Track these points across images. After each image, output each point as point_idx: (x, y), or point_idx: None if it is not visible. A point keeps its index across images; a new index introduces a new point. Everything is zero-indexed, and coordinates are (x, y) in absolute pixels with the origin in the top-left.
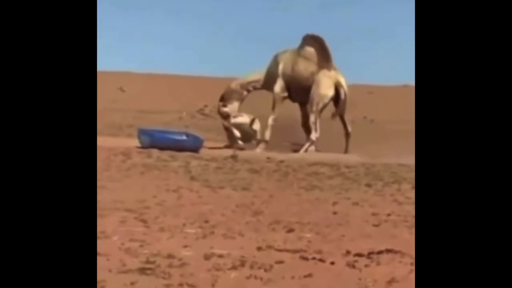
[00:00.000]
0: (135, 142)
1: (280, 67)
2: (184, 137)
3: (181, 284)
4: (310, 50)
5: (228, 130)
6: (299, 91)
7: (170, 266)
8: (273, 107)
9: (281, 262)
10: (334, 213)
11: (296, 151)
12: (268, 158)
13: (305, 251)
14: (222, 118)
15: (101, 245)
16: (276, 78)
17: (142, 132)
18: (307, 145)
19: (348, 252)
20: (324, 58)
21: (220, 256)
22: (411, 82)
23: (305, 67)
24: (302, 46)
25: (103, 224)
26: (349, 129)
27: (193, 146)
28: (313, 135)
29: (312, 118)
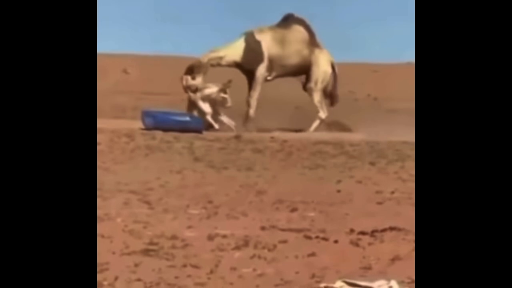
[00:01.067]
0: (139, 124)
1: (264, 46)
2: (188, 118)
3: (184, 265)
4: (300, 29)
5: (194, 105)
6: (287, 71)
7: (173, 247)
8: (255, 87)
9: (284, 241)
10: (338, 191)
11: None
12: (271, 137)
13: (308, 230)
14: (191, 91)
15: (105, 227)
16: (260, 58)
17: (145, 114)
18: (316, 123)
19: (351, 231)
20: (313, 39)
21: (224, 236)
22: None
23: (296, 48)
24: (288, 25)
25: (106, 206)
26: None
27: (196, 127)
28: (322, 114)
29: (317, 97)
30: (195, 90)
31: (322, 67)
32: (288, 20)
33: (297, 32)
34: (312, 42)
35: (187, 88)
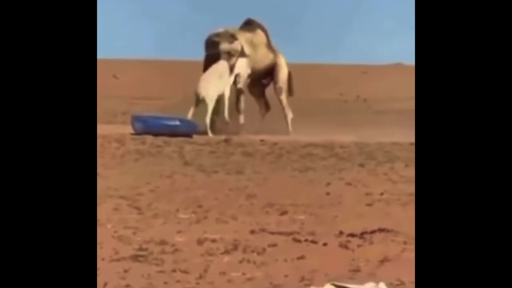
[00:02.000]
0: (129, 129)
1: (245, 48)
2: (178, 123)
3: (174, 270)
4: (261, 34)
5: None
6: (256, 76)
7: (163, 252)
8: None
9: (274, 245)
10: (327, 194)
11: None
12: (261, 140)
13: (298, 233)
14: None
15: None
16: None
17: (135, 119)
18: (290, 124)
19: (341, 233)
20: (271, 43)
21: (213, 240)
22: (404, 60)
23: (264, 52)
24: (252, 29)
25: (97, 212)
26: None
27: (186, 131)
28: (291, 113)
29: (285, 97)
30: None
31: (285, 69)
32: (251, 25)
33: (260, 36)
34: (271, 46)
35: (233, 51)
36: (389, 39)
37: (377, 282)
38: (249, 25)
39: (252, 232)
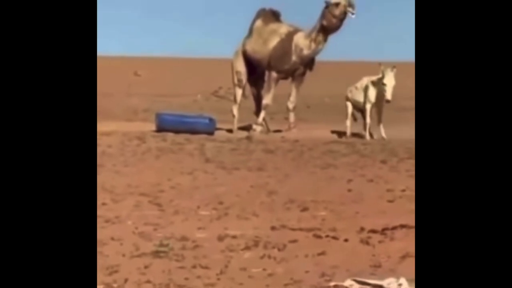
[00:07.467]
0: (150, 126)
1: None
2: (199, 120)
3: (194, 266)
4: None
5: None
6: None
7: (183, 248)
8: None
9: (294, 241)
10: (349, 190)
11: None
12: (282, 137)
13: (319, 229)
14: None
15: (115, 230)
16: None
17: (157, 116)
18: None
19: (362, 229)
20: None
21: (234, 237)
22: None
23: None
24: (281, 20)
25: (117, 208)
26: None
27: (208, 128)
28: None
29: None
30: None
31: None
32: (280, 16)
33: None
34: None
35: None
36: (409, 36)
37: (398, 277)
38: (279, 15)
39: (273, 228)
